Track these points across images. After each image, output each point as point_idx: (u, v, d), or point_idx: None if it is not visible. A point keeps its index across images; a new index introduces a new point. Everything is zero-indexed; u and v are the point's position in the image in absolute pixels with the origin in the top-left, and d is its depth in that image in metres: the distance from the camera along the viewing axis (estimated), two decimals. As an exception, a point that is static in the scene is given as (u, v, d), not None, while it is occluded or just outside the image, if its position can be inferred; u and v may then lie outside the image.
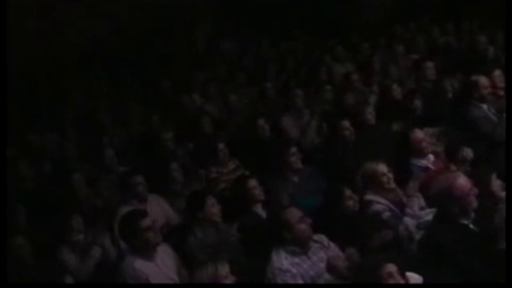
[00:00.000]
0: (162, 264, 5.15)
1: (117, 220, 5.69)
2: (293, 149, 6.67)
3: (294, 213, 4.93)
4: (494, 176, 5.14)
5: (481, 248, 4.47)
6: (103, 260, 5.91)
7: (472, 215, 4.64)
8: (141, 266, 5.02)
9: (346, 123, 7.11)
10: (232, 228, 5.74)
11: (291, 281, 4.73)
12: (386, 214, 5.48)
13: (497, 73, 7.24)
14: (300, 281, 4.75)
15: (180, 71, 11.06)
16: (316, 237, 4.98)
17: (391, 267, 4.00)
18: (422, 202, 5.64)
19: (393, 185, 5.71)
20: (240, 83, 10.21)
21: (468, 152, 6.12)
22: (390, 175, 5.66)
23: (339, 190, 5.60)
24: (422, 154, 6.24)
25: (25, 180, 7.75)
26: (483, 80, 7.08)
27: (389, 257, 4.44)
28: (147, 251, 5.09)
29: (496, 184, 5.11)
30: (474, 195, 4.61)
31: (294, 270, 4.77)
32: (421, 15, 11.53)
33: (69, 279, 5.53)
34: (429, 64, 8.30)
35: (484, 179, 5.11)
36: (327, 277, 4.79)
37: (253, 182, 6.00)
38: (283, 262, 4.80)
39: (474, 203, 4.62)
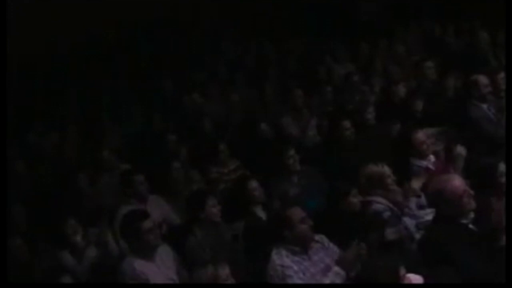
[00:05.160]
0: (162, 264, 5.15)
1: (118, 219, 5.70)
2: (292, 151, 6.66)
3: (297, 212, 4.93)
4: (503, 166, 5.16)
5: (480, 248, 4.47)
6: (104, 259, 5.91)
7: (471, 214, 4.64)
8: (141, 266, 5.02)
9: (347, 123, 7.11)
10: (232, 229, 5.74)
11: (294, 276, 4.73)
12: (387, 214, 5.49)
13: (502, 75, 7.23)
14: (302, 276, 4.75)
15: (180, 71, 11.07)
16: (316, 237, 4.98)
17: (403, 269, 4.00)
18: (424, 201, 5.64)
19: (395, 186, 5.72)
20: (240, 83, 10.22)
21: (461, 150, 6.10)
22: (393, 177, 5.67)
23: (345, 188, 5.59)
24: (423, 156, 6.25)
25: (25, 181, 7.76)
26: (483, 79, 7.09)
27: (390, 257, 4.45)
28: (147, 252, 5.09)
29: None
30: (468, 197, 4.59)
31: (295, 267, 4.78)
32: (421, 15, 11.52)
33: (67, 279, 5.53)
34: (429, 64, 8.30)
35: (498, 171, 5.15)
36: (336, 270, 4.78)
37: (253, 184, 6.00)
38: (284, 259, 4.80)
39: (470, 205, 4.60)
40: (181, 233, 5.80)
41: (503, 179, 5.15)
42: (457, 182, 4.63)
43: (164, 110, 9.39)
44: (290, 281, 4.73)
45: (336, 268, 4.78)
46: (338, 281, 4.73)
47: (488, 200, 4.94)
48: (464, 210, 4.59)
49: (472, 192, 4.62)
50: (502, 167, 5.23)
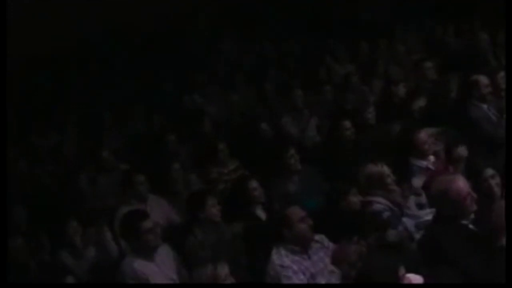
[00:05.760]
0: (162, 264, 5.16)
1: (118, 219, 5.71)
2: (292, 151, 6.67)
3: (296, 212, 4.94)
4: (490, 171, 5.18)
5: (480, 248, 4.47)
6: (103, 259, 5.91)
7: (471, 215, 4.64)
8: (141, 266, 5.03)
9: (347, 123, 7.12)
10: (232, 229, 5.74)
11: (293, 276, 4.73)
12: (386, 214, 5.49)
13: (502, 74, 7.23)
14: (302, 277, 4.75)
15: (180, 71, 11.07)
16: (316, 237, 4.98)
17: (403, 269, 4.01)
18: (424, 201, 5.64)
19: (395, 186, 5.72)
20: (240, 83, 10.22)
21: (462, 151, 6.11)
22: (393, 177, 5.68)
23: (345, 188, 5.59)
24: (424, 156, 6.25)
25: (25, 181, 7.77)
26: (483, 79, 7.08)
27: (389, 257, 4.45)
28: (147, 252, 5.10)
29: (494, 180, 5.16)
30: (471, 199, 4.59)
31: (295, 267, 4.78)
32: (421, 15, 11.52)
33: (70, 279, 5.53)
34: (429, 64, 8.30)
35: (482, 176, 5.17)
36: (331, 269, 4.78)
37: (254, 183, 6.00)
38: (284, 259, 4.81)
39: (472, 207, 4.60)
40: (181, 233, 5.80)
41: (488, 183, 5.18)
42: (461, 183, 4.62)
43: (164, 110, 9.39)
44: (289, 281, 4.73)
45: (331, 267, 4.78)
46: (333, 280, 4.74)
47: (488, 201, 4.94)
48: (466, 211, 4.59)
49: (475, 194, 4.62)
50: (489, 171, 5.26)
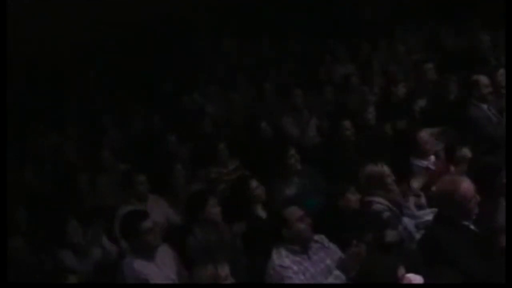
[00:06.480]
0: (162, 264, 5.15)
1: (118, 219, 5.71)
2: (292, 151, 6.66)
3: (294, 212, 4.93)
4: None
5: (481, 249, 4.47)
6: (103, 260, 5.91)
7: (473, 216, 4.64)
8: (141, 267, 5.02)
9: (348, 123, 7.12)
10: (233, 229, 5.74)
11: (293, 277, 4.73)
12: (386, 214, 5.49)
13: (502, 72, 7.23)
14: (302, 278, 4.75)
15: (180, 71, 11.07)
16: (316, 237, 4.98)
17: (402, 269, 4.01)
18: (424, 201, 5.63)
19: (395, 186, 5.72)
20: (240, 83, 10.22)
21: (466, 152, 6.11)
22: (393, 177, 5.68)
23: (343, 187, 5.59)
24: (425, 155, 6.25)
25: (25, 181, 7.76)
26: (484, 79, 7.09)
27: (389, 257, 4.45)
28: (147, 252, 5.10)
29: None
30: (475, 202, 4.59)
31: (295, 267, 4.78)
32: (421, 15, 11.53)
33: (70, 279, 5.53)
34: (429, 65, 8.30)
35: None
36: (336, 273, 4.79)
37: (254, 183, 6.00)
38: (284, 259, 4.81)
39: (475, 210, 4.61)
40: (181, 233, 5.80)
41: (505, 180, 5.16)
42: (467, 185, 4.62)
43: (164, 110, 9.39)
44: (289, 282, 4.72)
45: (337, 272, 4.79)
46: (333, 280, 4.74)
47: (492, 201, 4.93)
48: (470, 213, 4.60)
49: (479, 197, 4.62)
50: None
